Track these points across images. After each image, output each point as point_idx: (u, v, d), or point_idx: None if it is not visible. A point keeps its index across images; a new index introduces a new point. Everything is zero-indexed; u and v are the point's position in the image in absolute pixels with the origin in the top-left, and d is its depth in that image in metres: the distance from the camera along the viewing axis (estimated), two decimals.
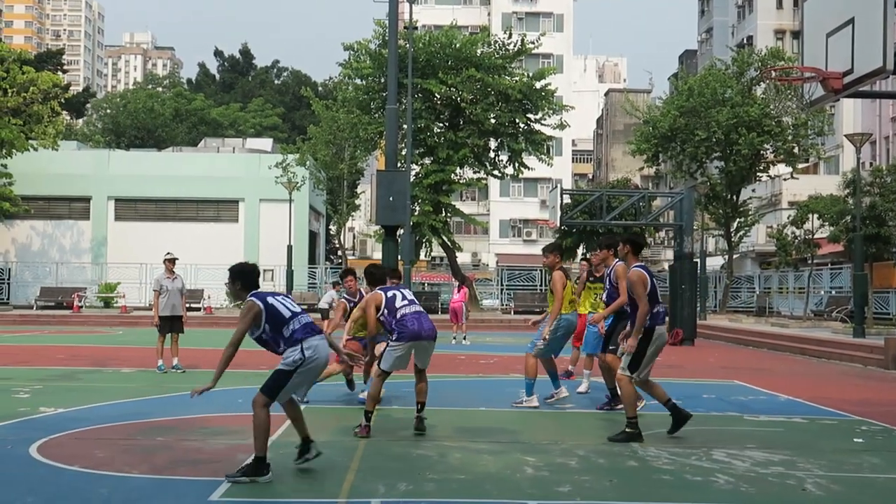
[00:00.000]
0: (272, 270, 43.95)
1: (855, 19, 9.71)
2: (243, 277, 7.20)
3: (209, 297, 39.75)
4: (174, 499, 6.41)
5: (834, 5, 10.29)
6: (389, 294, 9.10)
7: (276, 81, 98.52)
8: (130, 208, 46.52)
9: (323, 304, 18.62)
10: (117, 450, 8.03)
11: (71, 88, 56.73)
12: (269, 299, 7.02)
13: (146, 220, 45.84)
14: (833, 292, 36.88)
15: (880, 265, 36.52)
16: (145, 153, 53.71)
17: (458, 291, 26.30)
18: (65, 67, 67.90)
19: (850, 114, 52.79)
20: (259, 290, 7.12)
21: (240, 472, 6.81)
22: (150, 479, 6.97)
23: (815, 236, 40.31)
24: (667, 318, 9.47)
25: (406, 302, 9.03)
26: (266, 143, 60.73)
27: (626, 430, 8.81)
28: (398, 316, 8.89)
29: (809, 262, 38.86)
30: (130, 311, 36.61)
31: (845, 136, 32.72)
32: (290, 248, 39.17)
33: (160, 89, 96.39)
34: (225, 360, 6.87)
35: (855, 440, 9.23)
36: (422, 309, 9.17)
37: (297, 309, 7.13)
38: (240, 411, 10.68)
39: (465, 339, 24.84)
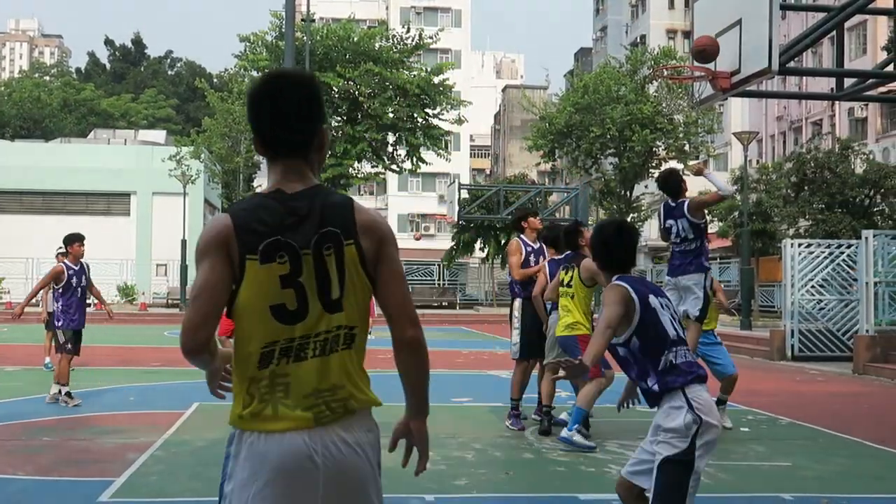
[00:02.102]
0: (165, 265, 43.04)
1: (742, 21, 9.97)
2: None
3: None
4: (60, 500, 6.22)
5: (723, 7, 10.56)
6: None
7: (169, 72, 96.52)
8: (15, 201, 44.96)
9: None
10: (1, 451, 7.74)
11: None
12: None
13: (32, 214, 44.35)
14: (722, 286, 38.02)
15: (766, 259, 37.80)
16: (31, 144, 51.98)
17: None
18: None
19: (738, 113, 54.37)
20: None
21: None
22: (36, 481, 6.75)
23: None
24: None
25: None
26: (159, 135, 59.40)
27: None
28: None
29: None
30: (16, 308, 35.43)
31: (733, 134, 33.71)
32: (184, 242, 38.37)
33: (47, 78, 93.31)
34: None
35: (741, 429, 9.51)
36: None
37: None
38: (129, 410, 10.44)
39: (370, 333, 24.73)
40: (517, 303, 9.40)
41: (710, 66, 10.30)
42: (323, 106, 2.65)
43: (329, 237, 2.52)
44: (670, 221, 8.69)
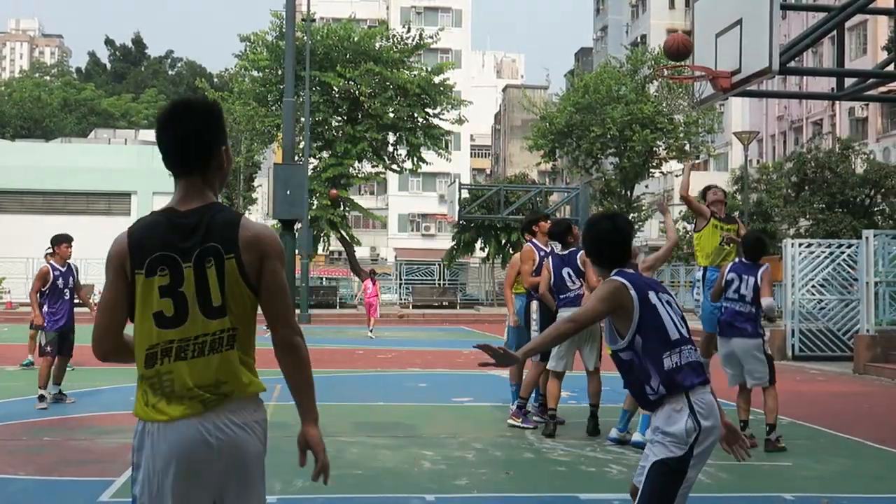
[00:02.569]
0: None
1: (743, 20, 9.97)
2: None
3: (99, 293, 38.74)
4: (61, 500, 6.22)
5: (723, 6, 10.56)
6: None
7: (169, 72, 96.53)
8: (16, 201, 44.94)
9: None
10: (1, 451, 7.74)
11: None
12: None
13: (33, 214, 44.31)
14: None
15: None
16: (32, 144, 51.99)
17: (373, 285, 26.09)
18: None
19: (739, 112, 54.36)
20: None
21: None
22: (36, 481, 6.75)
23: None
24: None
25: None
26: None
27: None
28: None
29: None
30: (16, 308, 35.44)
31: (734, 134, 33.76)
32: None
33: (48, 78, 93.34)
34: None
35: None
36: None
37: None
38: (129, 409, 10.43)
39: (371, 332, 24.75)
40: (534, 304, 9.35)
41: (711, 65, 10.31)
42: (222, 130, 3.00)
43: (210, 251, 2.83)
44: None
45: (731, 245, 9.30)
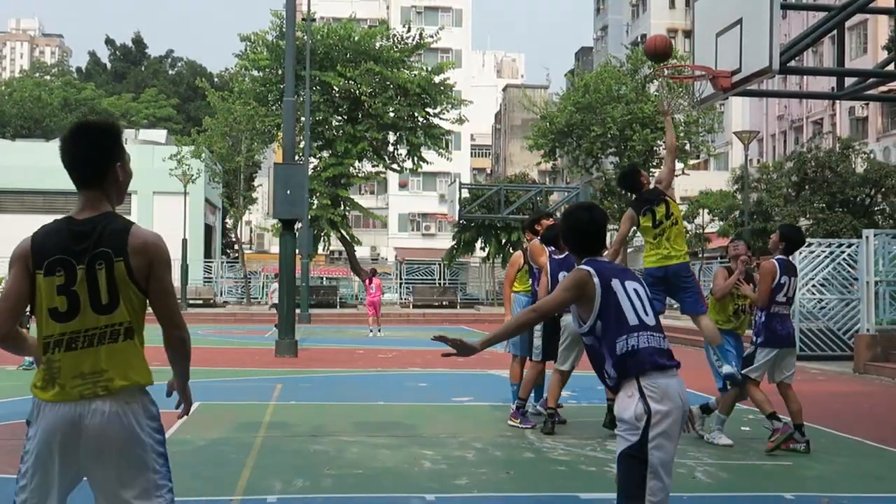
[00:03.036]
0: None
1: (743, 20, 9.97)
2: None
3: None
4: None
5: (723, 6, 10.55)
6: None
7: (170, 72, 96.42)
8: (16, 200, 45.00)
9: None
10: (1, 450, 7.74)
11: None
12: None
13: (33, 213, 44.30)
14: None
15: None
16: (32, 143, 51.97)
17: (374, 282, 26.28)
18: None
19: (739, 112, 54.34)
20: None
21: None
22: None
23: (706, 231, 41.44)
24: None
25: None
26: (160, 134, 59.35)
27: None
28: None
29: (700, 255, 39.90)
30: None
31: (734, 133, 33.73)
32: (185, 241, 38.40)
33: (48, 78, 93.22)
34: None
35: (742, 429, 9.50)
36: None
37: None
38: None
39: (379, 331, 24.99)
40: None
41: (711, 65, 10.31)
42: (118, 148, 3.41)
43: (101, 255, 3.28)
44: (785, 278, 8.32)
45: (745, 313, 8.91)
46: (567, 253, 8.82)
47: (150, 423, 3.35)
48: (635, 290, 4.14)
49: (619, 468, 4.00)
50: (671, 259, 8.64)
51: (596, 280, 4.06)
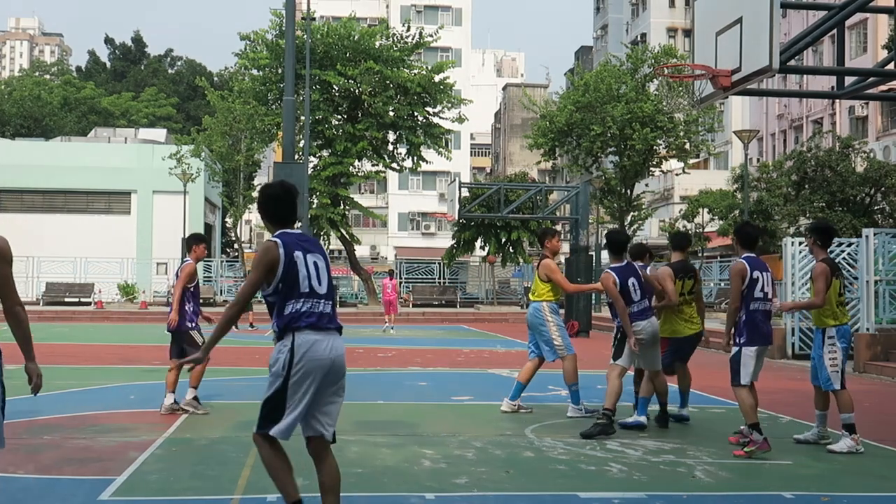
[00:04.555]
0: (166, 263, 43.04)
1: (743, 19, 9.96)
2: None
3: (100, 292, 38.76)
4: (62, 499, 6.21)
5: (723, 5, 10.54)
6: None
7: (169, 71, 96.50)
8: (16, 199, 44.98)
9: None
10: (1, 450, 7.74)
11: None
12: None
13: (33, 212, 44.35)
14: (722, 284, 37.95)
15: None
16: (32, 142, 51.99)
17: (390, 282, 26.56)
18: None
19: (739, 111, 54.36)
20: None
21: None
22: (37, 479, 6.75)
23: (706, 230, 41.44)
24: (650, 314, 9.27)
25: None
26: (160, 133, 59.40)
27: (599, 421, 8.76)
28: None
29: (700, 254, 39.90)
30: None
31: (734, 132, 33.72)
32: (184, 240, 38.38)
33: (48, 77, 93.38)
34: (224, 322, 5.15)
35: (742, 428, 9.48)
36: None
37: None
38: (130, 408, 10.45)
39: (392, 329, 25.24)
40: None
41: (711, 64, 10.30)
42: None
43: None
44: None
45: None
46: (627, 262, 9.31)
47: None
48: (315, 263, 4.96)
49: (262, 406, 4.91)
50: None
51: (281, 250, 4.85)
